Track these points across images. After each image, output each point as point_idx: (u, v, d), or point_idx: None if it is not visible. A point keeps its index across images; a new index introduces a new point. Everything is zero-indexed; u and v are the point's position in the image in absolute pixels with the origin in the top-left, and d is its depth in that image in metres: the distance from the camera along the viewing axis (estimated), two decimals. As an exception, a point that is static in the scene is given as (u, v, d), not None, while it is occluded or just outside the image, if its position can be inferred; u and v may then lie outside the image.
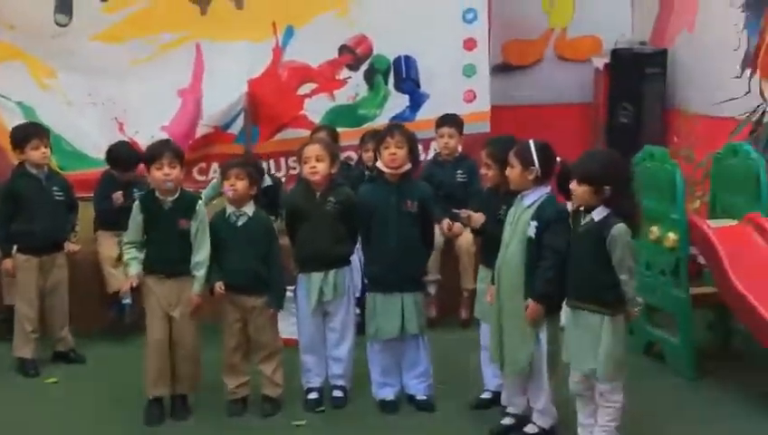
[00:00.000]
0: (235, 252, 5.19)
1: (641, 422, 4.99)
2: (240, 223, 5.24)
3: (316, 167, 5.25)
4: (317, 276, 5.28)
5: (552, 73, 9.44)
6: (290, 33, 8.00)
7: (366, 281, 5.51)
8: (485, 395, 5.31)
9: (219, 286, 5.17)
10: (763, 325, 5.13)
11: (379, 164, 5.29)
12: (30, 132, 6.20)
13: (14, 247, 6.06)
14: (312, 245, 5.30)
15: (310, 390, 5.40)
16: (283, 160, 7.88)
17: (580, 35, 9.45)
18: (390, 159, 5.17)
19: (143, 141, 6.95)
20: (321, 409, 5.33)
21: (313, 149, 5.32)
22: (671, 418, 5.19)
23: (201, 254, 5.14)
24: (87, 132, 7.83)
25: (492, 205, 5.11)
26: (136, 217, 5.20)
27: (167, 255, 5.15)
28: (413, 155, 5.25)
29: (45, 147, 6.14)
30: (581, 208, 4.56)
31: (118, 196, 6.46)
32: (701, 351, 5.85)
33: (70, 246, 6.28)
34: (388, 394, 5.33)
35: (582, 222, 4.53)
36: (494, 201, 5.10)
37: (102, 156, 7.13)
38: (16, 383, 5.86)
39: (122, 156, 6.75)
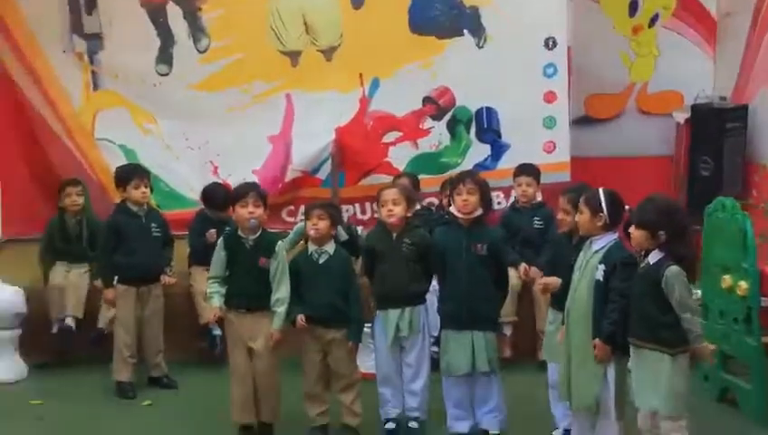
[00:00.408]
0: (317, 287, 5.49)
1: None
2: (321, 260, 5.54)
3: (393, 210, 5.55)
4: (394, 313, 5.54)
5: (634, 127, 9.53)
6: (376, 84, 8.32)
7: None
8: (556, 433, 5.47)
9: (301, 319, 5.46)
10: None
11: (452, 209, 5.56)
12: (132, 173, 6.66)
13: (115, 278, 6.48)
14: (388, 283, 5.57)
15: (387, 420, 5.64)
16: (368, 205, 8.20)
17: (661, 90, 9.59)
18: (462, 204, 5.45)
19: (235, 184, 7.35)
20: (398, 440, 5.56)
21: (390, 193, 5.62)
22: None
23: (281, 291, 5.43)
24: (183, 174, 8.29)
25: (565, 250, 5.32)
26: (219, 254, 5.53)
27: (246, 290, 5.45)
28: (484, 201, 5.51)
29: (146, 187, 6.59)
30: (641, 253, 4.73)
31: (211, 233, 6.83)
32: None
33: (166, 279, 6.66)
34: (463, 428, 5.53)
35: (641, 265, 4.71)
36: (568, 247, 5.32)
37: (197, 196, 7.60)
38: (115, 404, 6.25)
39: (216, 196, 7.15)
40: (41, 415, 5.98)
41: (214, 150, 8.36)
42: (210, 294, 5.58)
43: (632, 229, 4.72)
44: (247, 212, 5.44)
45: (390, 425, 5.62)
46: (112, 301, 6.48)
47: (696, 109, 8.99)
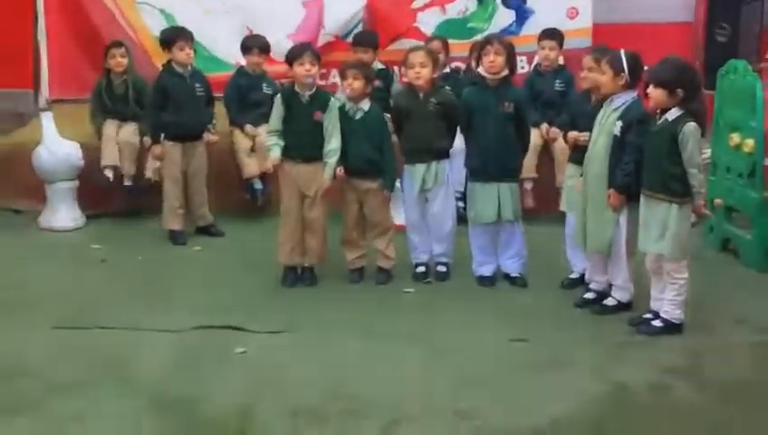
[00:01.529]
0: (353, 141, 5.92)
1: (707, 298, 5.61)
2: (357, 116, 5.95)
3: (420, 72, 5.90)
4: (420, 167, 5.98)
5: (655, -6, 9.80)
6: (407, -50, 8.57)
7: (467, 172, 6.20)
8: (573, 276, 6.00)
9: (339, 170, 5.93)
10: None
11: (480, 69, 5.93)
12: (177, 35, 7.02)
13: (162, 135, 6.95)
14: (416, 140, 5.99)
15: (418, 264, 6.19)
16: (396, 68, 8.55)
17: (684, -43, 9.75)
18: (490, 65, 5.80)
19: (271, 47, 7.79)
20: (428, 280, 6.09)
21: (418, 56, 5.95)
22: (734, 297, 5.78)
23: (333, 143, 5.85)
24: (220, 38, 8.50)
25: (583, 108, 5.73)
26: (278, 108, 5.92)
27: (302, 142, 5.86)
28: (510, 62, 5.85)
29: (190, 48, 6.97)
30: (657, 112, 5.11)
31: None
32: (773, 249, 6.40)
33: (209, 137, 7.14)
34: (486, 271, 6.08)
35: (657, 122, 5.10)
36: (586, 105, 5.72)
37: (233, 60, 7.97)
38: (168, 250, 6.82)
39: (253, 43, 7.59)
40: (102, 257, 6.56)
41: (249, 15, 8.58)
42: (270, 146, 5.96)
43: (650, 89, 5.06)
44: (304, 70, 5.82)
45: (421, 268, 6.17)
46: (160, 156, 6.95)
47: (715, -25, 9.22)
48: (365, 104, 6.00)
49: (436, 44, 7.32)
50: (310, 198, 5.93)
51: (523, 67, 8.18)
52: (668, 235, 5.05)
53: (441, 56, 7.07)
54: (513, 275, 6.06)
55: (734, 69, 6.47)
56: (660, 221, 5.08)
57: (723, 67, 6.61)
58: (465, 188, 6.36)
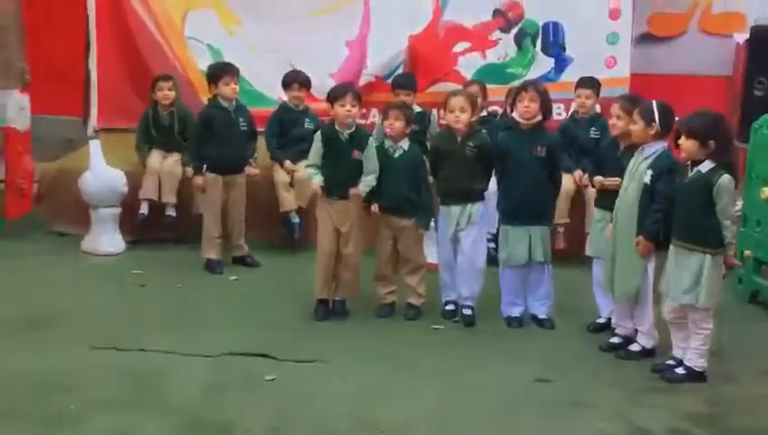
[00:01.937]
0: (391, 179, 6.09)
1: (732, 348, 5.69)
2: (396, 155, 6.14)
3: (459, 117, 6.04)
4: (456, 209, 6.10)
5: (695, 46, 9.87)
6: (449, -5, 8.80)
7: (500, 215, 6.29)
8: (600, 320, 6.08)
9: (375, 207, 6.10)
10: None
11: (514, 114, 6.10)
12: (223, 70, 7.24)
13: (204, 167, 7.15)
14: (452, 182, 6.11)
15: (447, 302, 6.31)
16: (434, 110, 8.73)
17: (724, 11, 9.88)
18: (524, 110, 5.97)
19: (313, 85, 8.00)
20: (456, 319, 6.20)
21: (458, 101, 6.09)
22: (760, 349, 5.85)
23: (370, 177, 6.03)
24: (264, 75, 8.67)
25: (612, 155, 5.86)
26: (317, 145, 6.09)
27: (339, 179, 6.03)
28: (544, 108, 6.01)
29: (235, 84, 7.20)
30: (688, 163, 5.21)
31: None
32: (802, 303, 6.47)
33: (250, 170, 7.34)
34: (515, 312, 6.18)
35: (690, 174, 5.18)
36: (614, 152, 5.84)
37: (276, 96, 8.18)
38: (205, 278, 7.01)
39: (294, 78, 7.79)
40: (142, 283, 6.76)
41: (294, 53, 8.73)
42: (312, 174, 6.11)
43: (683, 140, 5.18)
44: (345, 111, 6.00)
45: (450, 306, 6.29)
46: (202, 187, 7.15)
47: (754, 30, 9.31)
48: (404, 143, 6.17)
49: (474, 88, 7.48)
50: (345, 234, 6.08)
51: (560, 114, 8.36)
52: (702, 284, 5.12)
53: (479, 100, 7.23)
54: (541, 317, 6.16)
55: (766, 123, 6.56)
56: (693, 272, 5.15)
57: (757, 121, 6.70)
58: (497, 230, 6.48)
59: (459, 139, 6.10)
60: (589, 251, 6.07)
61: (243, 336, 5.67)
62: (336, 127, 6.09)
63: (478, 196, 6.16)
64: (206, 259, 7.16)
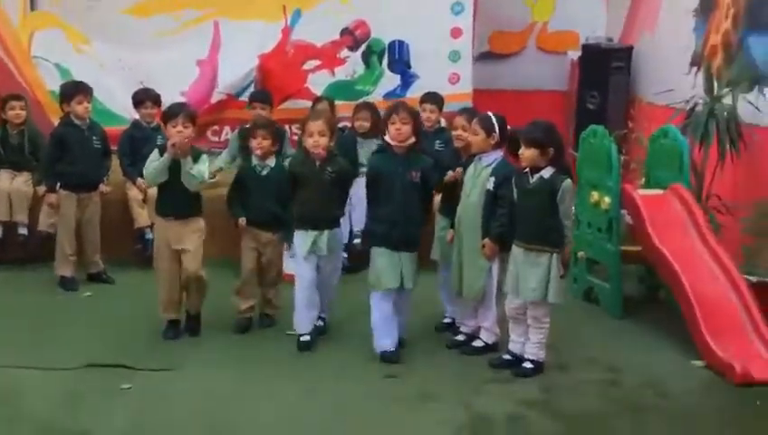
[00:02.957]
0: (258, 196, 6.27)
1: (565, 341, 6.11)
2: (264, 173, 6.32)
3: (319, 141, 5.94)
4: (312, 234, 5.95)
5: (532, 63, 10.51)
6: (298, 15, 9.05)
7: (365, 235, 6.22)
8: (446, 320, 6.42)
9: (242, 221, 6.26)
10: (673, 277, 6.25)
11: (387, 138, 5.88)
12: (76, 89, 7.25)
13: (58, 184, 7.15)
14: (310, 207, 5.98)
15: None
16: (287, 127, 8.94)
17: (559, 30, 10.53)
18: (396, 133, 5.82)
19: (164, 103, 8.08)
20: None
21: (317, 125, 5.98)
22: (590, 341, 6.31)
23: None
24: (115, 93, 8.73)
25: (455, 164, 6.19)
26: (156, 161, 5.98)
27: (174, 199, 6.05)
28: (416, 130, 5.93)
29: (88, 102, 7.22)
30: (527, 170, 5.59)
31: None
32: (631, 298, 6.96)
33: (103, 188, 7.37)
34: (390, 346, 5.85)
35: (531, 180, 5.55)
36: (459, 161, 6.18)
37: (128, 114, 8.23)
38: (59, 295, 7.01)
39: (144, 96, 7.83)
40: (-8, 303, 6.71)
41: (144, 72, 8.86)
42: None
43: (523, 149, 5.53)
44: (176, 131, 5.95)
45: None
46: (56, 204, 7.15)
47: (586, 48, 9.95)
48: (271, 161, 6.36)
49: (323, 104, 7.74)
50: (186, 251, 6.05)
51: (407, 128, 8.73)
52: (552, 280, 5.51)
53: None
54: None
55: (593, 133, 7.09)
56: (541, 270, 5.52)
57: (584, 132, 7.22)
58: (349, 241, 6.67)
59: (318, 164, 6.01)
60: (434, 255, 6.37)
61: (99, 349, 5.75)
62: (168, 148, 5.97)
63: (336, 221, 6.17)
64: (60, 276, 7.16)
